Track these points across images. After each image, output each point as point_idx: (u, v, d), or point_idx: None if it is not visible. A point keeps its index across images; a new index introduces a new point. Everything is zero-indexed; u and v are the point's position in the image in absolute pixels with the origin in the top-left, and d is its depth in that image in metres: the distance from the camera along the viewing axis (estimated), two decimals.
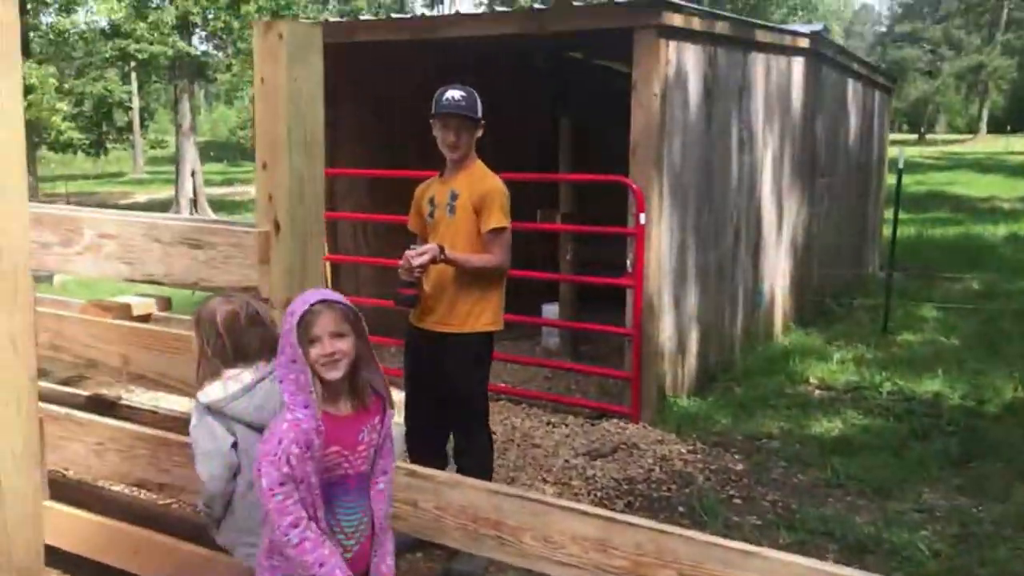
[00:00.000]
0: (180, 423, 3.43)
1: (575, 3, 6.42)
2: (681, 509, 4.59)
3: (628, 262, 5.88)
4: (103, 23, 25.81)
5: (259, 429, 2.44)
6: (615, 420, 5.87)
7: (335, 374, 2.22)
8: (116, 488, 4.06)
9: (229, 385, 2.48)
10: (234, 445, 2.49)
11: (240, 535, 2.56)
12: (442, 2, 59.26)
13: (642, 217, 5.72)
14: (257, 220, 2.77)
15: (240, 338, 2.51)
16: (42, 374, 3.52)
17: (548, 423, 5.88)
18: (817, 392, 6.62)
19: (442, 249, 3.74)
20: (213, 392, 2.48)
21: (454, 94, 3.85)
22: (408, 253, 3.74)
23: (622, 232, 6.00)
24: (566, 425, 5.85)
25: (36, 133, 23.19)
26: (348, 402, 2.29)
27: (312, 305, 2.22)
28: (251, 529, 2.48)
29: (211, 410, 2.49)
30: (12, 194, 2.01)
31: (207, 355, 2.52)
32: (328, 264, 6.92)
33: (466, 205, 3.85)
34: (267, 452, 2.16)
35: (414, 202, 4.13)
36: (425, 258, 3.69)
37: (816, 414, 6.03)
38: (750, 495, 4.78)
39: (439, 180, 4.03)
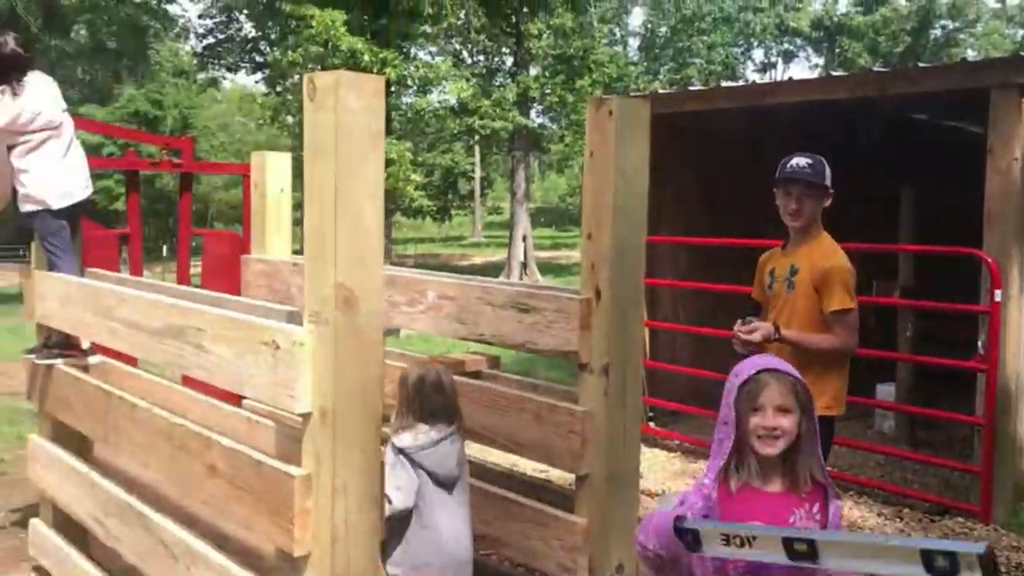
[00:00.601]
0: (503, 478, 3.59)
1: (920, 64, 6.01)
2: None
3: (980, 343, 5.30)
4: (453, 102, 28.45)
5: (437, 480, 2.89)
6: (959, 518, 5.25)
7: (770, 450, 2.08)
8: None
9: (420, 437, 2.91)
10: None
11: (414, 569, 2.89)
12: (774, 67, 58.38)
13: (998, 294, 5.14)
14: (580, 287, 2.86)
15: (424, 400, 2.95)
16: (384, 420, 3.87)
17: (880, 514, 5.40)
18: None
19: (777, 328, 3.56)
20: (406, 440, 2.90)
21: (799, 161, 3.68)
22: (738, 329, 3.60)
23: (972, 309, 5.43)
24: (900, 518, 5.33)
25: (392, 201, 25.96)
26: (779, 481, 2.12)
27: (760, 372, 2.11)
28: (419, 566, 2.88)
29: (403, 453, 2.88)
30: (370, 259, 2.25)
31: (402, 410, 2.97)
32: (646, 330, 6.96)
33: (806, 282, 3.63)
34: (669, 511, 2.11)
35: (757, 271, 3.99)
36: (755, 336, 3.52)
37: None
38: None
39: (781, 251, 3.85)
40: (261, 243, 4.30)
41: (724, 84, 8.14)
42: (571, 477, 3.08)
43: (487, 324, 3.13)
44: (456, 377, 3.51)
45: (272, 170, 4.21)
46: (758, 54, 57.87)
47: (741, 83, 10.31)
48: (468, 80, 27.83)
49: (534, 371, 8.48)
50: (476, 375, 3.57)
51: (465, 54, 32.85)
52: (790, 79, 6.95)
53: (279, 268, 4.12)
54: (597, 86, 28.39)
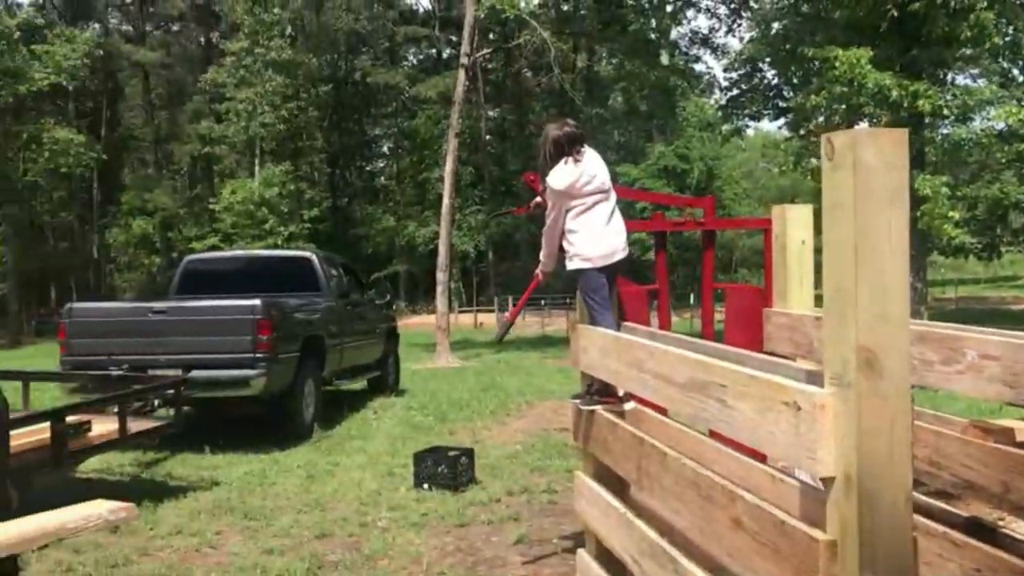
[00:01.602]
0: None
1: None
2: None
3: None
4: (1000, 127, 25.47)
5: None
6: None
7: None
8: None
9: None
10: None
11: None
12: None
13: None
14: None
15: None
16: (921, 485, 3.57)
17: None
18: None
19: None
20: None
21: None
22: None
23: None
24: None
25: (927, 240, 23.98)
26: None
27: None
28: None
29: None
30: (895, 319, 2.12)
31: None
32: None
33: None
34: None
35: None
36: None
37: None
38: None
39: None
40: (783, 295, 4.30)
41: None
42: None
43: None
44: (1006, 448, 3.14)
45: (793, 222, 4.20)
46: None
47: None
48: (1020, 102, 24.68)
49: None
50: None
51: (1015, 72, 29.26)
52: None
53: (801, 321, 4.08)
54: None
